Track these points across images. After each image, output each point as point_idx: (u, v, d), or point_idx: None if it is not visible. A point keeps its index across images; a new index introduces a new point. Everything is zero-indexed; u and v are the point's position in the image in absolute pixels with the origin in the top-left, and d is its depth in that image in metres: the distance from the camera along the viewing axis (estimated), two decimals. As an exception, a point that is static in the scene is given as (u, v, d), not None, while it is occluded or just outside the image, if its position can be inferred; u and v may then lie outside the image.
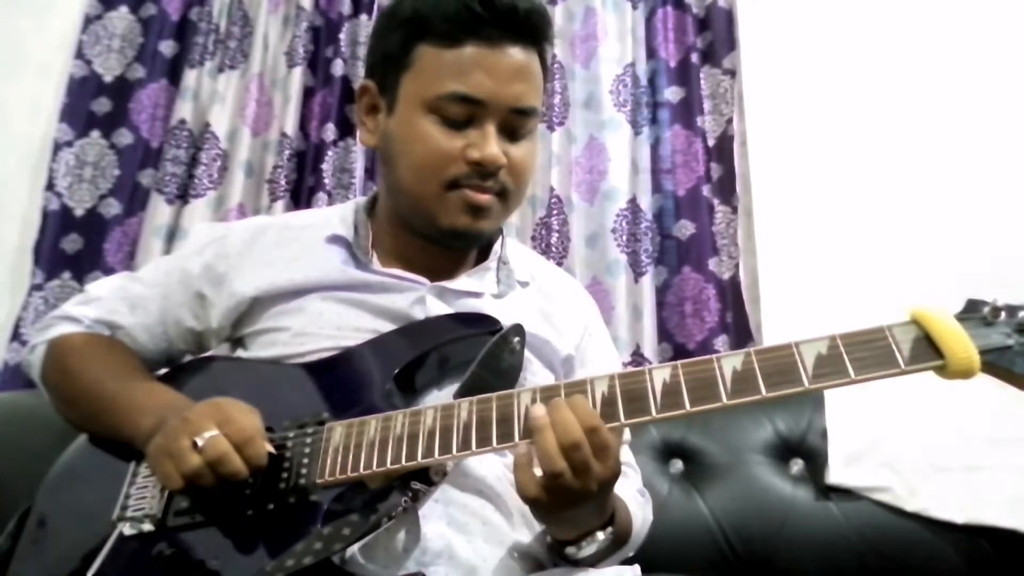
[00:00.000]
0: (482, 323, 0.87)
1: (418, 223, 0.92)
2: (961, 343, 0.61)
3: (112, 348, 0.93)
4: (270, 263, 0.93)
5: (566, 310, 1.01)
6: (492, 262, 0.98)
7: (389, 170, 0.93)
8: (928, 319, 0.63)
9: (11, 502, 0.91)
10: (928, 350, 0.62)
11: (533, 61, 0.90)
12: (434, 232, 0.91)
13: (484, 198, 0.87)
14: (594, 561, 0.77)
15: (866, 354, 0.63)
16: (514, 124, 0.88)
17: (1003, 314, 0.64)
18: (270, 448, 0.72)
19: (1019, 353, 0.62)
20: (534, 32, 0.89)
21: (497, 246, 1.00)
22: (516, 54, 0.87)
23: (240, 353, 0.94)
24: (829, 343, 0.64)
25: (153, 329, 0.96)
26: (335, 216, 0.99)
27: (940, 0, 1.78)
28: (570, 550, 0.76)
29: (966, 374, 0.62)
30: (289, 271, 0.92)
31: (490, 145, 0.85)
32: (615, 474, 0.70)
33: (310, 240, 0.95)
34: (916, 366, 0.62)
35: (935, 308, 0.64)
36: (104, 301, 0.97)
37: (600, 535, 0.75)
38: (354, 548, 0.73)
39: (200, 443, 0.68)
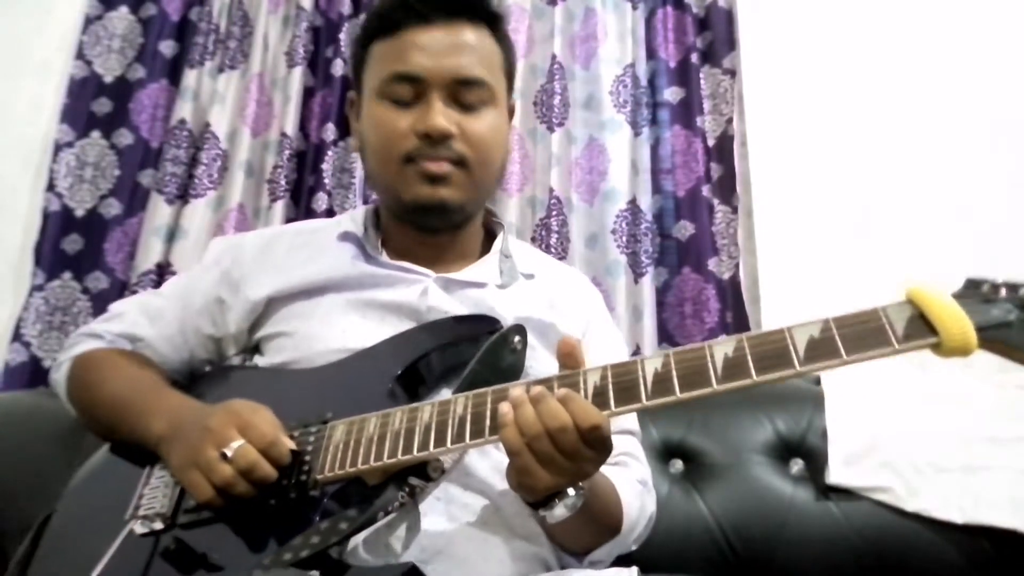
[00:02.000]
0: (483, 323, 0.88)
1: (393, 207, 0.97)
2: (956, 319, 0.59)
3: (131, 359, 0.96)
4: (284, 267, 0.97)
5: (570, 302, 1.02)
6: (494, 255, 1.01)
7: (365, 164, 0.99)
8: (923, 297, 0.61)
9: (12, 501, 0.91)
10: (923, 328, 0.60)
11: (478, 36, 0.93)
12: (404, 212, 0.95)
13: (439, 166, 0.90)
14: (568, 526, 0.73)
15: (859, 335, 0.62)
16: (462, 96, 0.92)
17: (1003, 291, 0.61)
18: (291, 445, 0.74)
19: (1020, 329, 0.59)
20: (468, 8, 0.93)
21: (499, 240, 1.03)
22: (454, 30, 0.92)
23: (257, 360, 0.96)
24: (822, 326, 0.63)
25: (174, 339, 0.99)
26: (346, 217, 1.04)
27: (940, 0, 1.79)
28: (542, 511, 0.71)
29: (963, 351, 0.59)
30: (304, 270, 0.95)
31: (432, 115, 0.89)
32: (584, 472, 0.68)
33: (322, 241, 0.99)
34: (910, 344, 0.60)
35: (930, 286, 0.62)
36: (125, 316, 1.00)
37: (571, 491, 0.70)
38: (357, 540, 0.74)
39: (229, 454, 0.70)
